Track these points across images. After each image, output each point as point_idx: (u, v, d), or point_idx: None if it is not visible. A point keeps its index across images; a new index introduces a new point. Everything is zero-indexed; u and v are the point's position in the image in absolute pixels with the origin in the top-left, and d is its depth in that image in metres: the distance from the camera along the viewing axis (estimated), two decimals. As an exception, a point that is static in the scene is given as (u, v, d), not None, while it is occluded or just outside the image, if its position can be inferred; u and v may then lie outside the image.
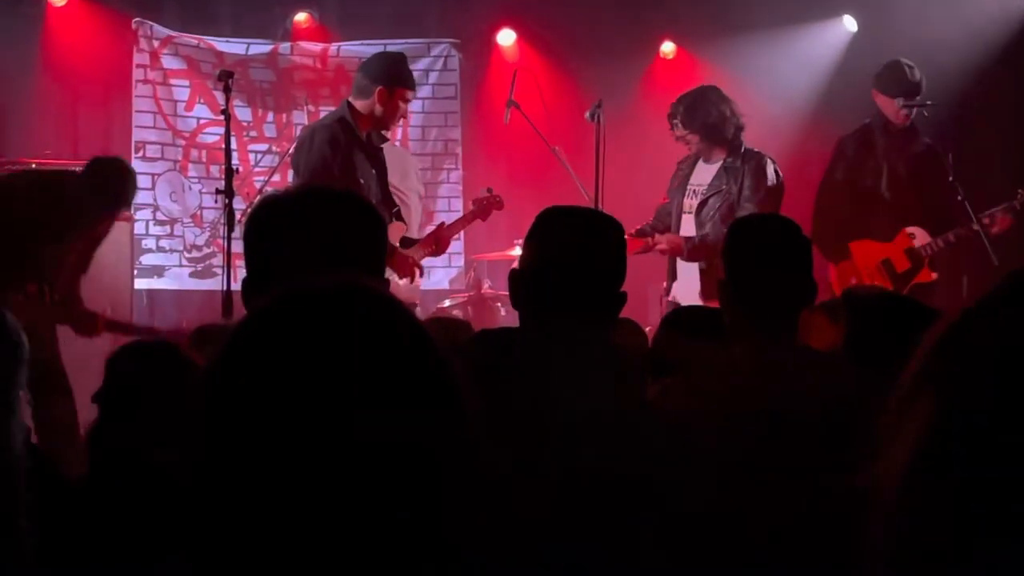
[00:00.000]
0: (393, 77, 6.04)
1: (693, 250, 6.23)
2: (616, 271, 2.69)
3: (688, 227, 6.34)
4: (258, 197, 7.59)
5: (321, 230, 2.13)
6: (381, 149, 6.15)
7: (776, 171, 6.30)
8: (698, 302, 5.87)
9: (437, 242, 6.52)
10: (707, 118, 6.29)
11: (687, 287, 6.32)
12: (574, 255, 2.64)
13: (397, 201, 6.37)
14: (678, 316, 3.67)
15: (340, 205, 2.24)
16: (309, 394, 1.12)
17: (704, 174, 6.38)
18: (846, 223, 6.89)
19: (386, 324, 1.19)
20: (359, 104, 6.01)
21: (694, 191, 6.39)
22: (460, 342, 3.21)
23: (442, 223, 6.91)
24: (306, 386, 1.12)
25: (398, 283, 6.25)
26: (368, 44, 8.29)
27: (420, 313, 6.76)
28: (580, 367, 2.51)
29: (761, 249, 2.91)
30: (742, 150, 6.30)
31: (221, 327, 3.86)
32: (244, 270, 2.19)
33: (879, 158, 6.87)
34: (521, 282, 2.68)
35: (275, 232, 2.16)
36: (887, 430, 0.94)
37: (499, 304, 7.59)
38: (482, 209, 6.88)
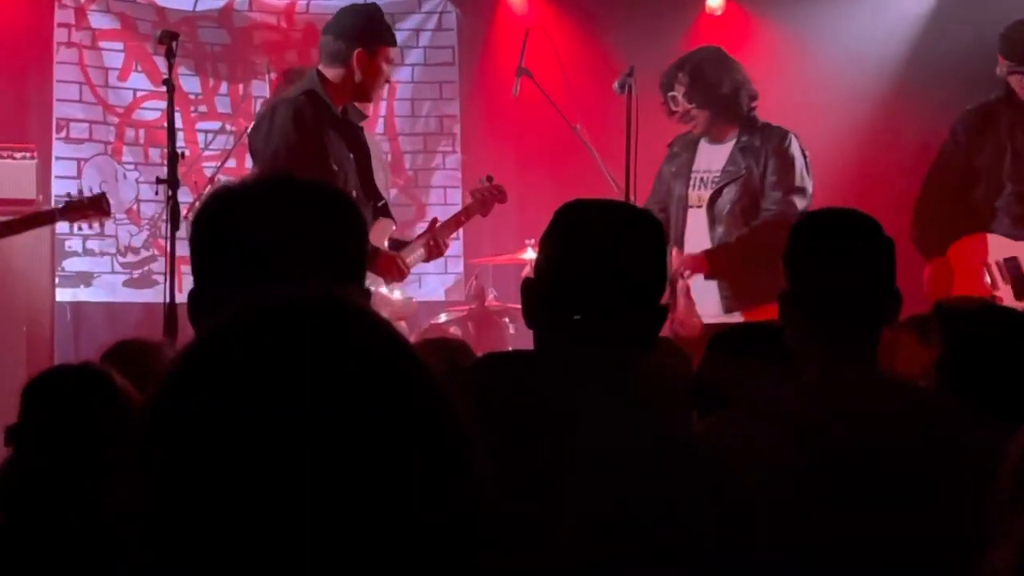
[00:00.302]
0: (372, 34, 5.97)
1: (717, 262, 6.10)
2: (654, 279, 2.69)
3: (697, 225, 6.23)
4: (209, 188, 7.63)
5: (286, 229, 2.14)
6: (361, 128, 6.12)
7: (803, 149, 6.19)
8: (716, 318, 5.83)
9: (433, 243, 6.43)
10: (718, 89, 6.19)
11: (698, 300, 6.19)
12: (602, 260, 2.65)
13: None
14: (728, 336, 3.67)
15: (309, 198, 2.24)
16: (275, 431, 1.12)
17: (712, 158, 6.27)
18: (957, 215, 6.83)
19: (367, 346, 1.19)
20: (331, 73, 5.96)
21: (702, 179, 6.27)
22: (460, 367, 3.22)
23: (434, 219, 6.78)
24: (271, 421, 1.13)
25: (386, 294, 6.24)
26: (344, -2, 8.31)
27: (409, 331, 6.76)
28: (611, 398, 2.51)
29: (831, 251, 2.91)
30: (759, 125, 6.22)
31: (152, 345, 3.83)
32: (191, 278, 2.20)
33: (1003, 137, 6.83)
34: (536, 293, 2.69)
35: (229, 231, 2.16)
36: (1000, 514, 0.95)
37: (507, 319, 7.61)
38: (480, 202, 6.84)
